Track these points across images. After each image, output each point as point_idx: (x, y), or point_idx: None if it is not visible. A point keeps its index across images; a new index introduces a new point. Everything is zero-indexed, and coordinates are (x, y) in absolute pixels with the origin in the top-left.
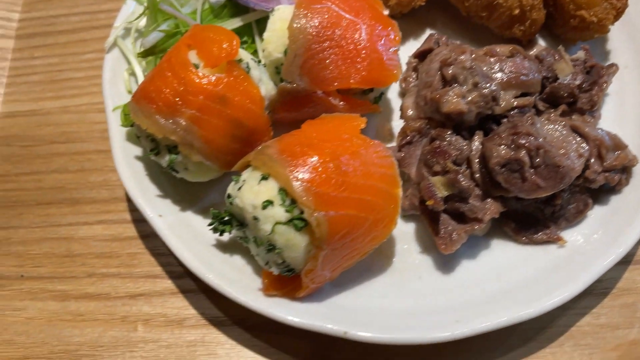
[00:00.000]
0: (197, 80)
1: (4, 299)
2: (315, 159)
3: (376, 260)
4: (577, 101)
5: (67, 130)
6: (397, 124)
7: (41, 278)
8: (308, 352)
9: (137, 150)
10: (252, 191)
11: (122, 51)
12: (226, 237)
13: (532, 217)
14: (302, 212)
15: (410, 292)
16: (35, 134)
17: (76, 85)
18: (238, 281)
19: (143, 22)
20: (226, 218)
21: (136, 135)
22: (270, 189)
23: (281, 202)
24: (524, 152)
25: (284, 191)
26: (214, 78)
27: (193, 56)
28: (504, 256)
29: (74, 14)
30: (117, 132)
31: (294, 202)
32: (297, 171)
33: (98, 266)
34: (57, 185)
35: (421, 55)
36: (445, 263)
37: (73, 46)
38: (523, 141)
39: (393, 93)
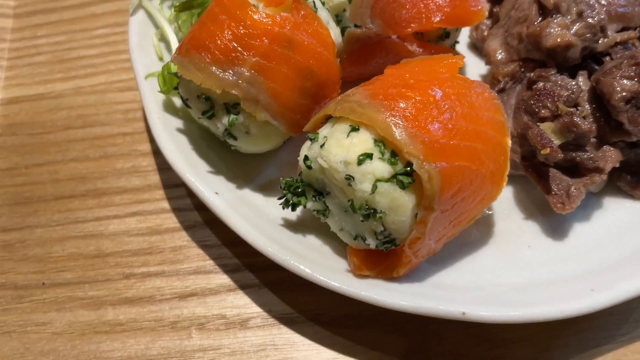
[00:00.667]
0: (260, 21)
1: (24, 313)
2: (417, 100)
3: (475, 231)
4: None
5: (84, 113)
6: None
7: (68, 284)
8: (403, 347)
9: (179, 123)
10: (341, 146)
11: (148, 13)
12: (295, 214)
13: None
14: (407, 166)
15: (522, 264)
16: (45, 120)
17: (90, 63)
18: (320, 263)
19: None
20: (300, 188)
21: (182, 99)
22: (363, 140)
23: (380, 154)
24: None
25: (382, 143)
26: (279, 18)
27: None
28: (621, 215)
29: None
30: (153, 102)
31: (395, 154)
32: (397, 115)
33: (136, 265)
34: (78, 175)
35: None
36: (556, 228)
37: (82, 22)
38: None
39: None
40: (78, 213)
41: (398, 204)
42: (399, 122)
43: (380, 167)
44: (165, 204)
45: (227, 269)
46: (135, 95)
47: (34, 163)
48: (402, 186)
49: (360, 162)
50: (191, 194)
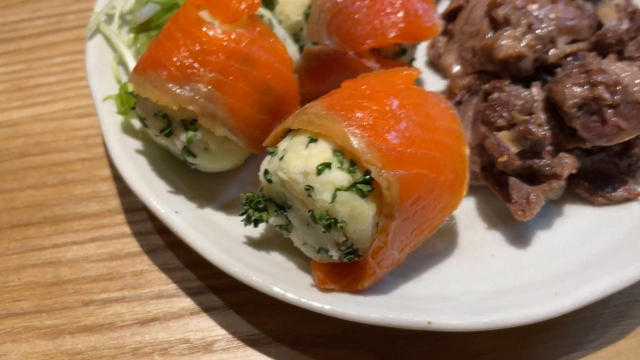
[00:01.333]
0: (216, 37)
1: None
2: (374, 110)
3: (439, 242)
4: (624, 49)
5: (42, 140)
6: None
7: (24, 314)
8: None
9: (137, 144)
10: (299, 157)
11: (106, 37)
12: (258, 232)
13: (606, 174)
14: (365, 175)
15: (487, 273)
16: (1, 148)
17: (48, 91)
18: (284, 278)
19: (129, 5)
20: (262, 204)
21: (140, 118)
22: (322, 151)
23: (339, 164)
24: (602, 88)
25: (340, 152)
26: (234, 34)
27: (205, 15)
28: (582, 222)
29: (38, 17)
30: (112, 124)
31: (353, 163)
32: (354, 125)
33: (96, 291)
34: (35, 202)
35: (450, 15)
36: (518, 237)
37: (40, 50)
38: (599, 78)
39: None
40: (35, 241)
41: (358, 212)
42: (357, 131)
43: (339, 176)
44: (126, 229)
45: (190, 292)
46: (94, 121)
47: None
48: (362, 194)
49: (319, 172)
50: (152, 217)
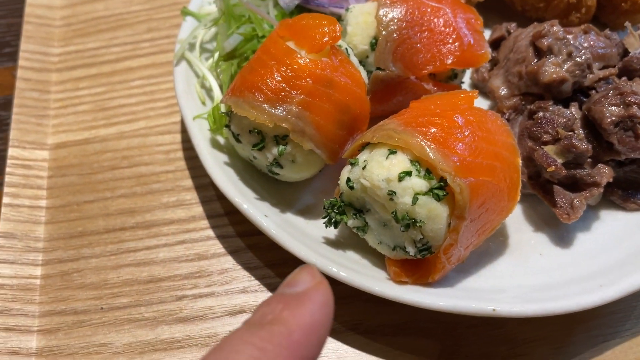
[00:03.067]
0: (305, 65)
1: (85, 336)
2: (445, 125)
3: (492, 242)
4: None
5: (128, 154)
6: None
7: (125, 307)
8: (436, 350)
9: (224, 157)
10: (382, 167)
11: (190, 64)
12: (333, 234)
13: (636, 183)
14: (440, 181)
15: (537, 269)
16: (92, 162)
17: (130, 111)
18: (364, 273)
19: (208, 36)
20: (342, 207)
21: (234, 134)
22: (401, 161)
23: (417, 172)
24: (636, 107)
25: (418, 162)
26: (320, 63)
27: (292, 45)
28: (617, 224)
29: (115, 45)
30: (202, 140)
31: (429, 171)
32: (429, 139)
33: (187, 287)
34: (127, 210)
35: (494, 44)
36: (562, 238)
37: (119, 74)
38: (632, 99)
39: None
40: (129, 243)
41: (435, 214)
42: (432, 144)
43: (418, 182)
44: (210, 232)
45: (272, 288)
46: (174, 137)
47: (85, 200)
48: (438, 198)
49: (400, 179)
50: (233, 223)
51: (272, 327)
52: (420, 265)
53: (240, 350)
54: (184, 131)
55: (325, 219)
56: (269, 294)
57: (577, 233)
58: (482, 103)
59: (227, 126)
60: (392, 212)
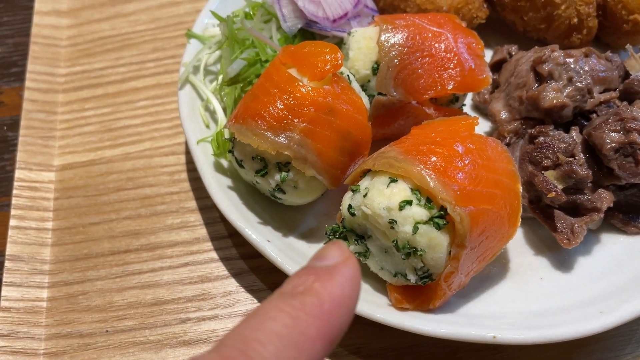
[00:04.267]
0: (307, 93)
1: (90, 359)
2: (445, 154)
3: (493, 266)
4: None
5: (133, 176)
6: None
7: (129, 331)
8: None
9: (228, 181)
10: (382, 195)
11: (194, 87)
12: None
13: (637, 207)
14: (440, 210)
15: (537, 294)
16: (98, 183)
17: (135, 131)
18: (365, 298)
19: (212, 59)
20: (343, 234)
21: (237, 160)
22: (402, 190)
23: (418, 201)
24: (636, 134)
25: (418, 191)
26: (322, 91)
27: (294, 73)
28: (618, 248)
29: (120, 65)
30: (206, 164)
31: (430, 200)
32: (430, 168)
33: (191, 310)
34: (132, 232)
35: (495, 66)
36: (563, 262)
37: (125, 95)
38: (632, 125)
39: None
40: (134, 266)
41: (435, 242)
42: (432, 173)
43: (418, 211)
44: (214, 255)
45: None
46: (179, 158)
47: (91, 222)
48: (438, 227)
49: (401, 208)
50: (237, 245)
51: (305, 298)
52: (421, 292)
53: (275, 317)
54: (189, 152)
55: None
56: None
57: (578, 257)
58: (483, 124)
59: (231, 152)
60: (393, 241)
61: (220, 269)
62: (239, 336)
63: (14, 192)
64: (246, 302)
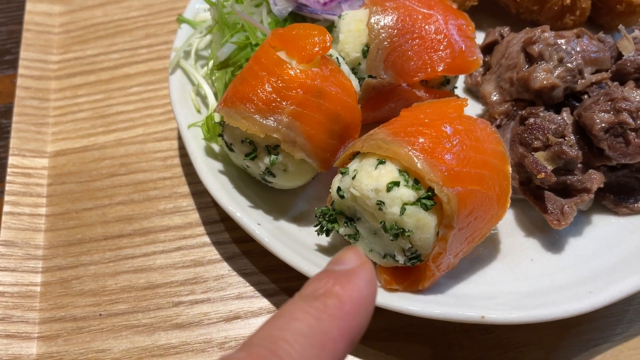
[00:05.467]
0: (295, 75)
1: (84, 342)
2: (433, 135)
3: (483, 247)
4: None
5: (126, 161)
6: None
7: (123, 314)
8: (428, 354)
9: (219, 165)
10: (370, 177)
11: (185, 72)
12: (326, 241)
13: (629, 188)
14: (428, 191)
15: (527, 274)
16: (91, 169)
17: (128, 117)
18: None
19: (203, 43)
20: (333, 216)
21: (226, 144)
22: (390, 171)
23: (405, 182)
24: (626, 114)
25: (406, 172)
26: (310, 73)
27: (283, 55)
28: (609, 229)
29: (113, 51)
30: (197, 148)
31: (417, 181)
32: (418, 149)
33: (184, 294)
34: (125, 217)
35: (487, 48)
36: (553, 243)
37: (117, 81)
38: (622, 105)
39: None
40: (127, 250)
41: (423, 223)
42: (420, 154)
43: (406, 193)
44: (206, 239)
45: (266, 294)
46: (171, 144)
47: (84, 208)
48: (426, 208)
49: (389, 189)
50: (229, 229)
51: (326, 300)
52: (410, 273)
53: (299, 318)
54: (181, 138)
55: (317, 227)
56: (264, 300)
57: (569, 238)
58: (475, 107)
59: (221, 135)
60: (381, 222)
61: (212, 252)
62: (266, 336)
63: (8, 178)
64: (238, 285)
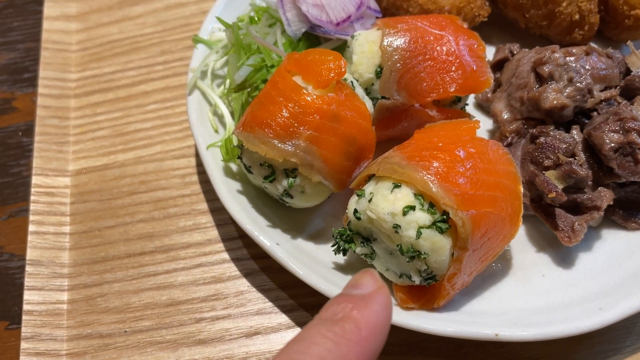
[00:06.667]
0: (312, 101)
1: (110, 359)
2: (447, 160)
3: (495, 263)
4: None
5: (146, 179)
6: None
7: (147, 331)
8: None
9: (237, 185)
10: (387, 200)
11: (202, 92)
12: (343, 259)
13: (638, 203)
14: (443, 215)
15: (539, 290)
16: (112, 187)
17: (146, 135)
18: None
19: (219, 63)
20: (350, 236)
21: (245, 166)
22: (405, 195)
23: (421, 206)
24: (635, 134)
25: (421, 196)
26: (326, 98)
27: (299, 80)
28: (618, 244)
29: (130, 68)
30: (215, 169)
31: (432, 205)
32: (432, 174)
33: (205, 310)
34: (146, 234)
35: (497, 65)
36: (564, 258)
37: (135, 99)
38: (631, 125)
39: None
40: (149, 268)
41: (438, 246)
42: (435, 179)
43: (422, 216)
44: (225, 256)
45: (285, 309)
46: (189, 161)
47: (106, 226)
48: (441, 231)
49: (405, 213)
50: (248, 245)
51: (344, 325)
52: (426, 292)
53: (318, 342)
54: (199, 155)
55: (334, 247)
56: (283, 315)
57: (579, 253)
58: (485, 123)
59: (239, 158)
60: (398, 245)
61: (232, 269)
62: (288, 359)
63: (32, 198)
64: (258, 302)
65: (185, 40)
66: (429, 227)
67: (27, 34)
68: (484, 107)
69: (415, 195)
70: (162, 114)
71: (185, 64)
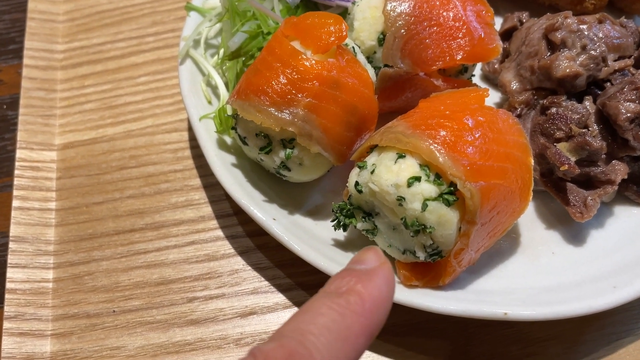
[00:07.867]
0: (311, 66)
1: (98, 340)
2: (455, 128)
3: (503, 241)
4: None
5: (136, 154)
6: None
7: (137, 310)
8: (448, 349)
9: (231, 158)
10: (390, 171)
11: (195, 62)
12: (342, 235)
13: None
14: (450, 186)
15: (549, 268)
16: (100, 162)
17: (136, 108)
18: None
19: (213, 31)
20: (350, 211)
21: (240, 137)
22: (410, 165)
23: (427, 177)
24: None
25: (427, 167)
26: (326, 64)
27: (297, 46)
28: (631, 221)
29: (120, 39)
30: (209, 141)
31: (439, 176)
32: (439, 143)
33: (198, 289)
34: (136, 211)
35: (505, 35)
36: (575, 235)
37: (125, 71)
38: None
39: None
40: (140, 245)
41: (445, 219)
42: (441, 148)
43: (427, 188)
44: (219, 233)
45: (282, 289)
46: (181, 135)
47: (94, 201)
48: (448, 204)
49: (409, 184)
50: (243, 222)
51: (349, 297)
52: (430, 269)
53: (324, 313)
54: (191, 129)
55: (334, 222)
56: (280, 295)
57: (591, 230)
58: (493, 95)
59: (234, 128)
60: (402, 218)
61: (226, 247)
62: (295, 328)
63: (16, 172)
64: (253, 280)
65: (178, 10)
66: (435, 199)
67: (13, 4)
68: (490, 79)
69: (420, 165)
70: (153, 86)
71: (177, 36)
